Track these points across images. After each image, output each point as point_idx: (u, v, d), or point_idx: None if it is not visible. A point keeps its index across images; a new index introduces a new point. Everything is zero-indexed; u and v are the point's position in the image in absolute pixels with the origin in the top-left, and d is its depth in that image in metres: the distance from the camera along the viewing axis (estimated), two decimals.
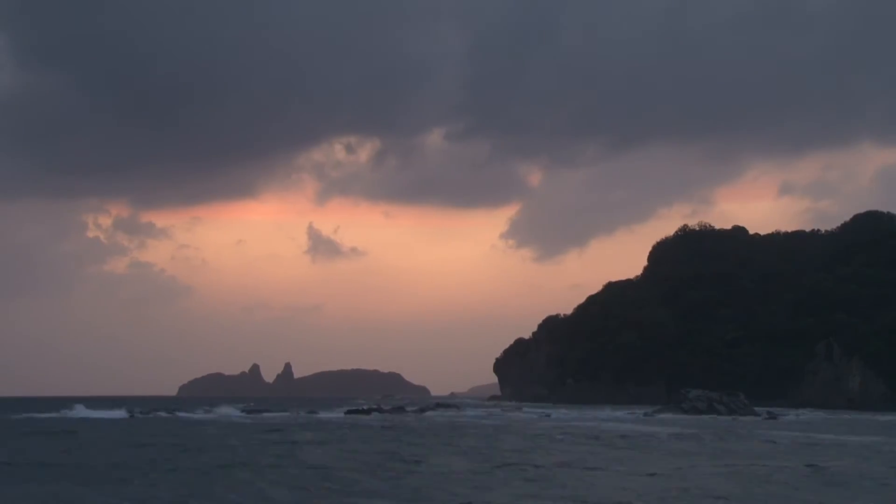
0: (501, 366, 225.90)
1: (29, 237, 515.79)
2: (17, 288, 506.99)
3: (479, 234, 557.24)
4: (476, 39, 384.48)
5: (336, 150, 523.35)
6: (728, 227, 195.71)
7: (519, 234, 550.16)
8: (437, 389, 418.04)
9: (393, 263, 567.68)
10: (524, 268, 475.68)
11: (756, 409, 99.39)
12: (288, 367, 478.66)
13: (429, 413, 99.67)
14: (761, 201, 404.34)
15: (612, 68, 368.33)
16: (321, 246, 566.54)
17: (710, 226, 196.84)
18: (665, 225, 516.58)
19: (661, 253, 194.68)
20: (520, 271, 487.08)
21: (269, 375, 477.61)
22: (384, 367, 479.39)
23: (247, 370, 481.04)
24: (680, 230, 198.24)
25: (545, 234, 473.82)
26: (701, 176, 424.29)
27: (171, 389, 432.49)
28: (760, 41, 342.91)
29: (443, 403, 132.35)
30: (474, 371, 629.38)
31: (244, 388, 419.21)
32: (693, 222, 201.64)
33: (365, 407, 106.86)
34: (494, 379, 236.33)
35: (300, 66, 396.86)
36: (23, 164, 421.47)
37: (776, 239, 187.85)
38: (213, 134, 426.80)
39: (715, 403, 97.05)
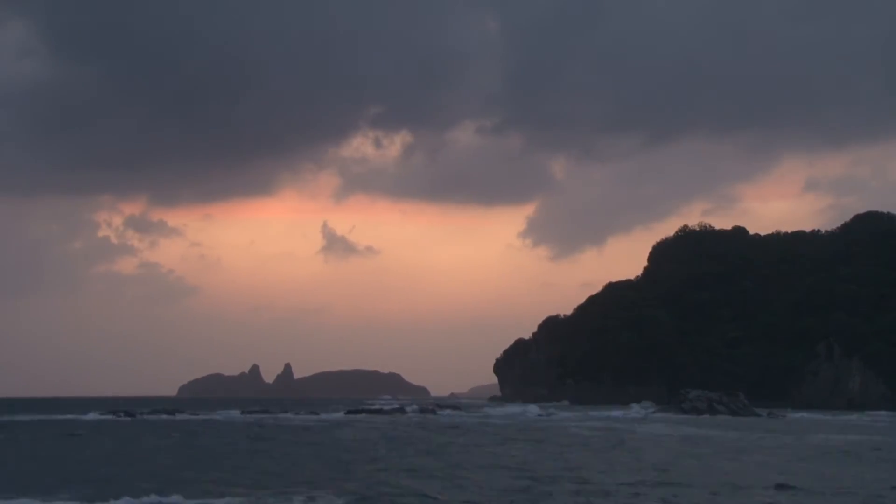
0: (501, 366, 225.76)
1: (41, 234, 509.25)
2: (23, 287, 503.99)
3: (498, 232, 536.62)
4: (512, 30, 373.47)
5: (362, 146, 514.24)
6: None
7: (536, 232, 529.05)
8: (437, 390, 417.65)
9: (405, 263, 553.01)
10: (538, 267, 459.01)
11: (756, 409, 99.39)
12: (288, 367, 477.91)
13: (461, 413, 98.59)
14: (785, 199, 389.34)
15: (653, 61, 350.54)
16: (335, 245, 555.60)
17: (710, 226, 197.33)
18: (683, 224, 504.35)
19: (661, 253, 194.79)
20: (532, 270, 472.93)
21: (268, 376, 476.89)
22: (384, 368, 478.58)
23: (246, 371, 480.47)
24: (680, 230, 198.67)
25: (563, 232, 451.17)
26: (728, 172, 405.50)
27: (170, 390, 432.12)
28: (807, 33, 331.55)
29: (442, 404, 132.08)
30: (474, 371, 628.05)
31: (244, 388, 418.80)
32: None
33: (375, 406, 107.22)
34: (494, 379, 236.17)
35: (327, 57, 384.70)
36: (41, 159, 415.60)
37: (776, 239, 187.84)
38: (235, 129, 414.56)
39: (715, 404, 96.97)
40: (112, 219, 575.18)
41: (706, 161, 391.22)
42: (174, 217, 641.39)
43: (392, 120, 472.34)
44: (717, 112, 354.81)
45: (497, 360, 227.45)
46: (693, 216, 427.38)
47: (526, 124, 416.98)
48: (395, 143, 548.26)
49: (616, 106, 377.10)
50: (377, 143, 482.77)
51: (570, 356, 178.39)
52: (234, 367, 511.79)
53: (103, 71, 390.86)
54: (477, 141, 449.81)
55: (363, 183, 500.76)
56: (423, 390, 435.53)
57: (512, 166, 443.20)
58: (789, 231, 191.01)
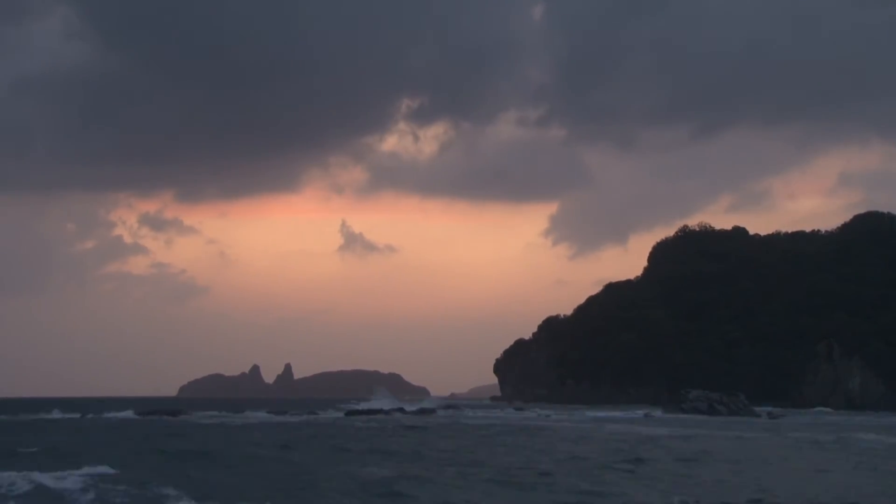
0: (501, 366, 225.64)
1: (56, 233, 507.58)
2: (31, 285, 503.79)
3: (522, 230, 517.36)
4: (557, 17, 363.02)
5: (398, 139, 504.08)
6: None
7: (559, 229, 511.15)
8: (437, 390, 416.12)
9: (421, 262, 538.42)
10: (553, 265, 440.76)
11: (756, 409, 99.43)
12: (288, 367, 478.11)
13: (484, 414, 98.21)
14: (814, 195, 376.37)
15: (705, 50, 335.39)
16: (353, 244, 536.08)
17: (710, 226, 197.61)
18: (705, 221, 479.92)
19: (661, 253, 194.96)
20: (547, 269, 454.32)
21: (269, 376, 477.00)
22: (384, 368, 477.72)
23: (247, 371, 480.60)
24: (680, 230, 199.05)
25: (586, 229, 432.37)
26: (764, 167, 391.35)
27: (171, 390, 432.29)
28: (868, 19, 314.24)
29: (448, 405, 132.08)
30: (474, 371, 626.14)
31: (244, 388, 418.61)
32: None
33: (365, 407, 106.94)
34: (494, 379, 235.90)
35: (366, 48, 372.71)
36: (65, 154, 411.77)
37: (776, 239, 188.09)
38: (268, 122, 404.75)
39: (715, 404, 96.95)
40: (128, 217, 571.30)
41: (747, 154, 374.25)
42: (191, 215, 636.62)
43: (430, 112, 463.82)
44: (771, 103, 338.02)
45: (497, 360, 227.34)
46: (717, 213, 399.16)
47: (569, 116, 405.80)
48: (432, 137, 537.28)
49: (665, 97, 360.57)
50: (413, 137, 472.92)
51: (570, 356, 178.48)
52: (234, 367, 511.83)
53: (135, 62, 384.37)
54: (516, 134, 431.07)
55: (391, 179, 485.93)
56: (423, 390, 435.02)
57: (548, 161, 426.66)
58: (789, 231, 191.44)
